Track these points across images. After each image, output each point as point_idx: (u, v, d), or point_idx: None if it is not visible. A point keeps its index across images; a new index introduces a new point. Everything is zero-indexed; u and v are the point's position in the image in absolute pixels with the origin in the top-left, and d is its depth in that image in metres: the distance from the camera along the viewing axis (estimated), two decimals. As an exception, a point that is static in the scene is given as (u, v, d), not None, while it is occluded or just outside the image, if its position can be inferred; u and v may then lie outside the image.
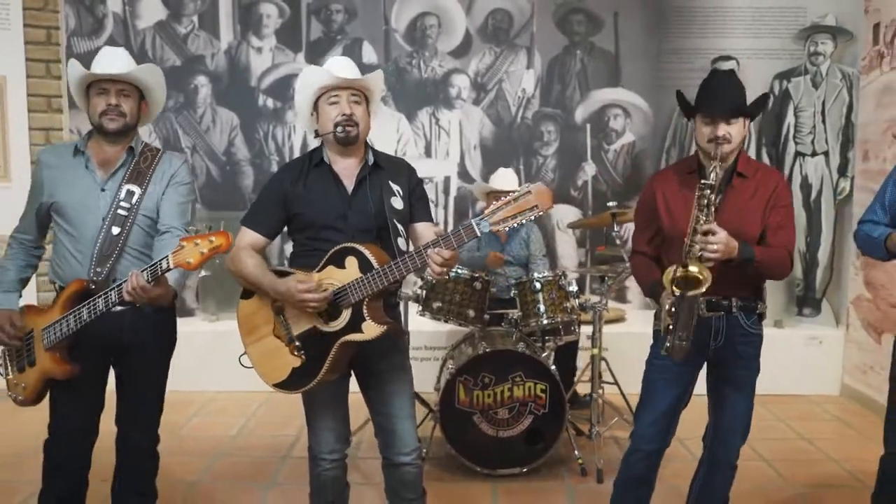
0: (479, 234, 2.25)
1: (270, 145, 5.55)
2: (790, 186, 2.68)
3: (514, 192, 2.24)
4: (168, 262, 2.32)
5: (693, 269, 2.38)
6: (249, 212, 2.65)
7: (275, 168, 5.43)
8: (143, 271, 2.37)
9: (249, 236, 2.57)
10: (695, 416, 2.90)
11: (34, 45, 5.17)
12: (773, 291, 5.45)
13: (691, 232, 2.43)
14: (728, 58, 5.42)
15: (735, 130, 2.53)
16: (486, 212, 2.24)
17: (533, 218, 2.23)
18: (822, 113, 5.40)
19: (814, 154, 5.45)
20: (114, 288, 2.44)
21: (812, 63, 5.39)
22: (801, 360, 5.28)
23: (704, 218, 2.43)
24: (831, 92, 5.36)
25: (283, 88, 5.47)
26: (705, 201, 2.43)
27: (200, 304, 5.50)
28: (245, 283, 2.57)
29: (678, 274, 2.38)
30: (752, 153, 5.46)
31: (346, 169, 2.59)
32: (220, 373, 5.08)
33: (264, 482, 3.76)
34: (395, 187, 2.58)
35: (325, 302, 2.41)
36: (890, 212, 2.62)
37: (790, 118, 5.45)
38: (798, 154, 5.48)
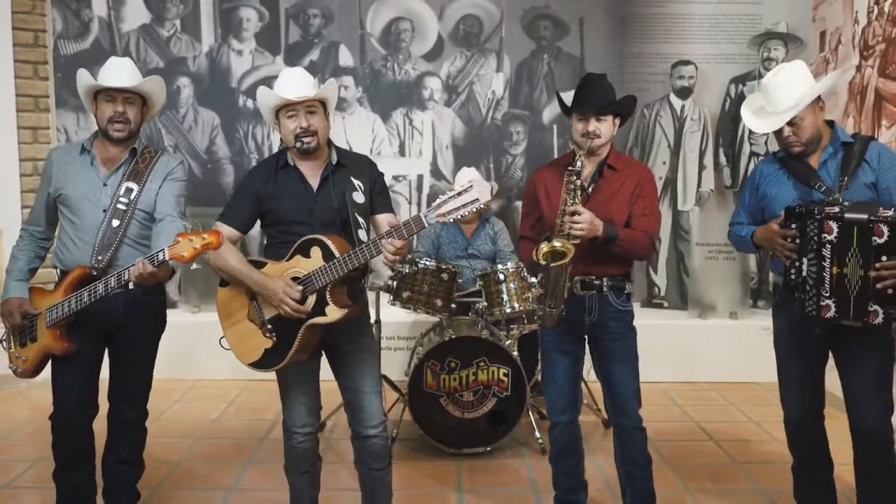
0: (426, 224, 2.50)
1: (250, 144, 5.76)
2: (654, 180, 3.00)
3: (458, 188, 2.48)
4: (164, 254, 2.58)
5: (557, 243, 2.69)
6: (225, 210, 2.88)
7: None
8: (144, 259, 2.63)
9: (226, 231, 2.78)
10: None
11: (22, 48, 5.33)
12: (730, 285, 5.78)
13: (560, 213, 2.74)
14: (687, 62, 5.70)
15: (604, 127, 2.85)
16: (433, 205, 2.49)
17: (475, 209, 2.47)
18: (775, 115, 5.68)
19: (767, 154, 5.72)
20: (113, 275, 2.70)
21: (766, 68, 5.67)
22: (754, 349, 5.50)
23: (572, 200, 2.74)
24: (783, 95, 5.65)
25: (263, 90, 5.68)
26: (572, 186, 2.75)
27: (182, 296, 5.71)
28: (225, 274, 2.79)
29: (545, 248, 2.68)
30: (709, 153, 5.76)
31: (311, 169, 2.82)
32: (201, 361, 5.36)
33: (243, 460, 3.99)
34: (357, 182, 2.82)
35: (296, 313, 2.63)
36: (751, 213, 3.02)
37: (745, 120, 5.73)
38: (753, 154, 5.77)
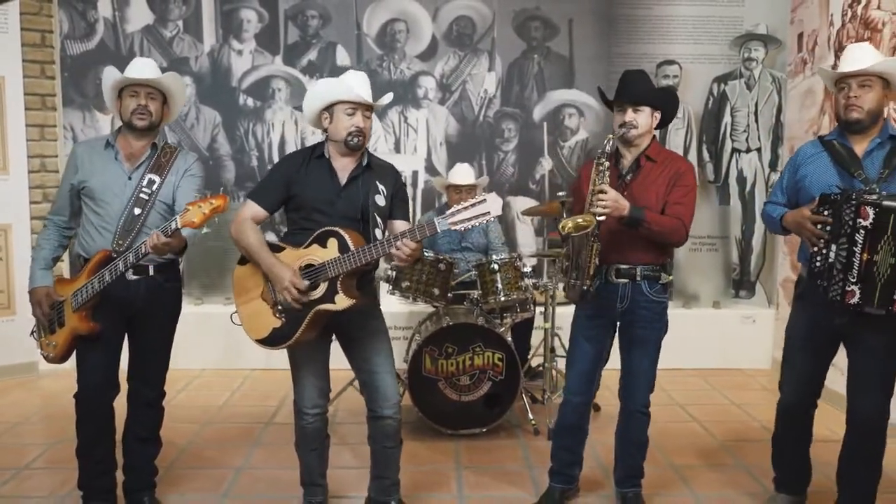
0: (438, 230, 2.69)
1: (250, 142, 5.94)
2: (694, 172, 3.09)
3: (473, 200, 2.64)
4: (176, 223, 2.76)
5: (579, 218, 2.88)
6: (256, 188, 3.07)
7: (255, 163, 5.88)
8: (159, 231, 2.80)
9: (253, 209, 2.96)
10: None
11: (30, 48, 5.47)
12: (712, 276, 6.02)
13: (590, 193, 2.92)
14: (672, 62, 5.92)
15: (641, 118, 3.00)
16: (448, 213, 2.67)
17: (485, 220, 2.64)
18: (755, 113, 5.94)
19: (748, 150, 5.98)
20: (131, 251, 2.87)
21: (746, 68, 5.92)
22: (736, 337, 5.81)
23: (600, 180, 2.91)
24: (763, 94, 5.91)
25: (262, 89, 5.89)
26: (601, 167, 2.93)
27: (185, 288, 5.86)
28: (245, 252, 2.96)
29: (569, 223, 2.88)
30: (693, 150, 5.99)
31: (343, 165, 2.99)
32: (204, 352, 5.54)
33: (250, 443, 4.17)
34: (381, 187, 2.99)
35: (296, 302, 2.82)
36: (787, 193, 3.10)
37: (727, 118, 5.97)
38: (734, 150, 6.00)
